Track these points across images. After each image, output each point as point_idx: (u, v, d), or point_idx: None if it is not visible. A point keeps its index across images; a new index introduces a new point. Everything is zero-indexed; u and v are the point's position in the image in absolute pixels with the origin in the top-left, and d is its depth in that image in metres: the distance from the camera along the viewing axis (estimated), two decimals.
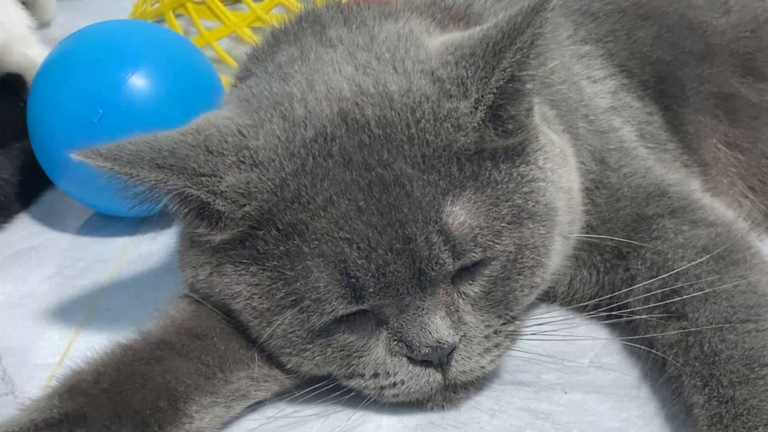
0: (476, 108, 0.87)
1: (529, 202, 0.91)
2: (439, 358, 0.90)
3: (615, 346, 1.04)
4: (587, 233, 1.03)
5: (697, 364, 0.89)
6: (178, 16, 1.88)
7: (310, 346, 0.90)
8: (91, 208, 1.45)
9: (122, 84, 1.29)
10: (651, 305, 0.97)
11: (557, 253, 0.96)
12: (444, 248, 0.85)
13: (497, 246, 0.88)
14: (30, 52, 1.63)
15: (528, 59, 0.86)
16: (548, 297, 1.07)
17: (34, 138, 1.39)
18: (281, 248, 0.86)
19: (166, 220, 0.96)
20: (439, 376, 0.91)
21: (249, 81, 1.00)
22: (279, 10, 1.71)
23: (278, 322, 0.89)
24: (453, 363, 0.91)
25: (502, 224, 0.88)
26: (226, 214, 0.87)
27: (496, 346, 0.92)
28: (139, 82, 1.30)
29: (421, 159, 0.86)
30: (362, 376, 0.92)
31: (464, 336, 0.90)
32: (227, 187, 0.86)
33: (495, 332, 0.92)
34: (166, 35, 1.48)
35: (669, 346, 0.93)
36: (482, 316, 0.91)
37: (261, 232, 0.87)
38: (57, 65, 1.37)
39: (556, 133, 1.01)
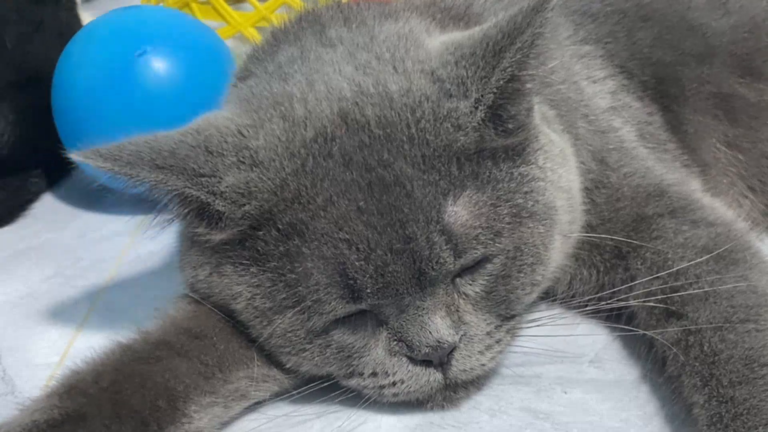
0: (476, 108, 0.87)
1: (529, 201, 0.91)
2: (439, 358, 0.90)
3: (615, 345, 1.04)
4: (587, 233, 1.03)
5: (697, 364, 0.89)
6: None
7: (310, 346, 0.90)
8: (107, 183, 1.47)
9: (138, 62, 1.37)
10: (651, 305, 0.97)
11: (557, 252, 0.96)
12: (445, 247, 0.85)
13: (498, 245, 0.88)
14: None
15: (528, 59, 0.87)
16: (548, 296, 1.07)
17: (57, 112, 1.45)
18: (281, 249, 0.86)
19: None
20: (439, 376, 0.91)
21: (249, 81, 1.00)
22: (283, 9, 1.71)
23: (278, 321, 0.89)
24: (453, 362, 0.91)
25: (503, 223, 0.88)
26: (225, 214, 0.87)
27: (497, 342, 0.92)
28: (156, 62, 1.37)
29: (421, 159, 0.86)
30: (361, 375, 0.92)
31: (465, 335, 0.90)
32: (227, 187, 0.86)
33: (496, 327, 0.92)
34: (183, 18, 1.58)
35: (669, 345, 0.93)
36: (483, 315, 0.91)
37: (261, 233, 0.87)
38: (79, 45, 1.46)
39: (556, 132, 1.01)
